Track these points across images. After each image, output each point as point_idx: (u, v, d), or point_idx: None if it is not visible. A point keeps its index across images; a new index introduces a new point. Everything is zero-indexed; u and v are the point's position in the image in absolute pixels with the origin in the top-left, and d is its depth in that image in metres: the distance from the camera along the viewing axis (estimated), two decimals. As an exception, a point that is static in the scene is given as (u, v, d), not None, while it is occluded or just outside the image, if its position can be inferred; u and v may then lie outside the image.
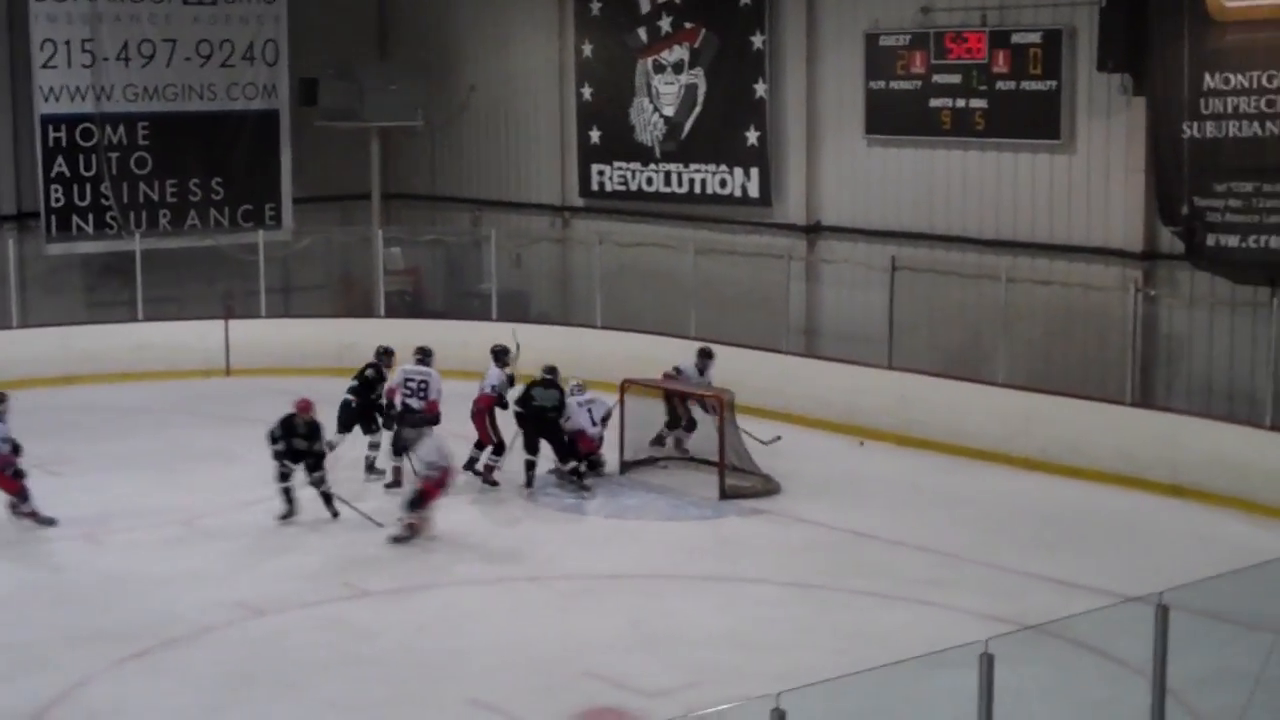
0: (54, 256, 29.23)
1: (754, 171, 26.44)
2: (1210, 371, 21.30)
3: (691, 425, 21.60)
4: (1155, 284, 21.65)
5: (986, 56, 23.04)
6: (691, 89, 27.32)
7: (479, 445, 20.80)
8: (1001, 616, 15.21)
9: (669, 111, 27.67)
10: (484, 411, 20.72)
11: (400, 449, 19.93)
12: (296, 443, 18.94)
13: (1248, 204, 20.24)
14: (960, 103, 23.43)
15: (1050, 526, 18.84)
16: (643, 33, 27.89)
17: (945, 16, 23.66)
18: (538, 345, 21.57)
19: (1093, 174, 22.26)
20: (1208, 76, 20.35)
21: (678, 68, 27.47)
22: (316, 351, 27.07)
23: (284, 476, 19.05)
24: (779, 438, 21.76)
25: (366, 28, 32.88)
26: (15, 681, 14.16)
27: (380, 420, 21.09)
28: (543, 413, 20.41)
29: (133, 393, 25.75)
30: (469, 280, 30.51)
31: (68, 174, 29.11)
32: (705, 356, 22.11)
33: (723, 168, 26.91)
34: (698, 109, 27.27)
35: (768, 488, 20.26)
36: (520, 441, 20.58)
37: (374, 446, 21.09)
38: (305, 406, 19.18)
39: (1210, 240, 20.64)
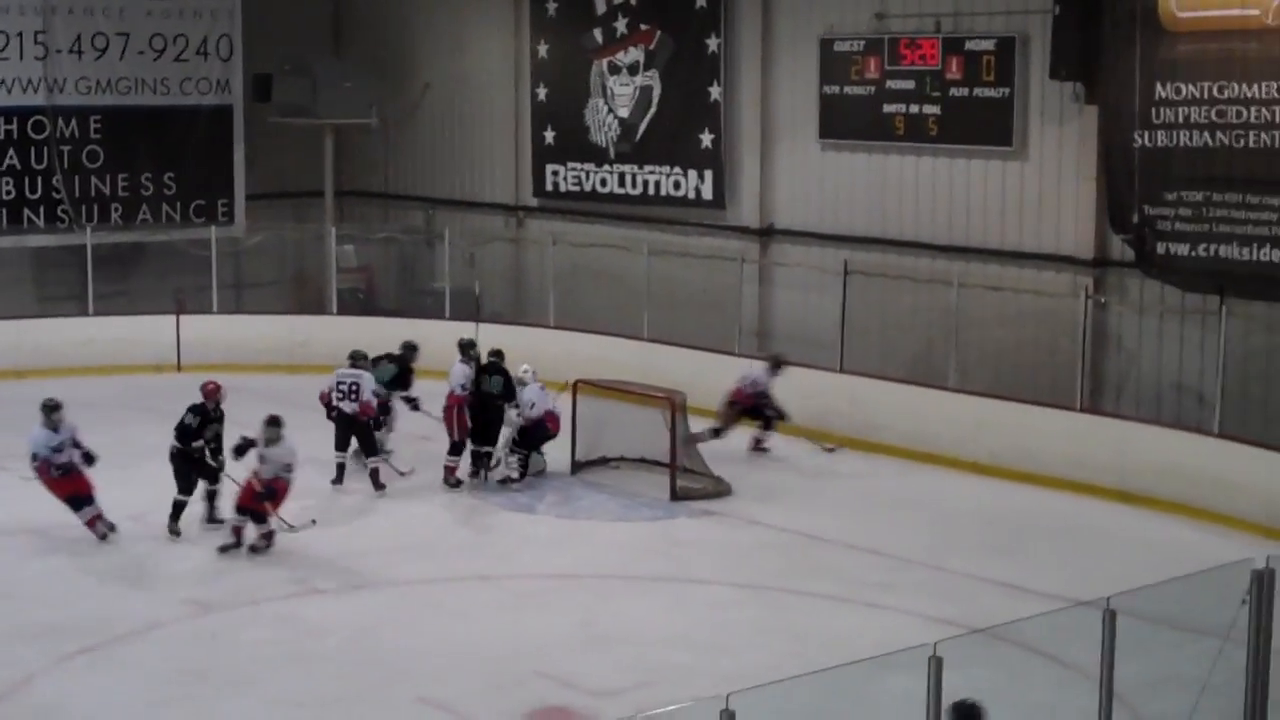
0: (4, 249, 29.05)
1: (708, 174, 26.49)
2: (1159, 378, 21.44)
3: (778, 416, 22.25)
4: (1105, 291, 21.78)
5: (940, 63, 23.13)
6: (646, 90, 27.35)
7: (451, 448, 20.67)
8: (951, 620, 15.26)
9: (624, 113, 27.69)
10: (452, 409, 20.62)
11: (242, 450, 18.37)
12: (210, 429, 18.38)
13: (1198, 213, 20.39)
14: (914, 108, 23.52)
15: (1000, 531, 18.93)
16: (598, 34, 27.90)
17: (899, 23, 23.75)
18: (490, 344, 21.47)
19: (1044, 181, 22.38)
20: (1159, 86, 20.49)
21: (633, 69, 27.50)
22: (269, 348, 27.02)
23: (187, 488, 18.42)
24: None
25: (321, 24, 32.79)
26: (-39, 677, 14.10)
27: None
28: (490, 399, 20.44)
29: (83, 388, 25.48)
30: (422, 279, 30.47)
31: (19, 166, 28.95)
32: (777, 366, 22.31)
33: (677, 170, 26.94)
34: (652, 111, 27.30)
35: (719, 489, 20.29)
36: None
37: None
38: (213, 389, 18.78)
39: (1160, 248, 20.78)
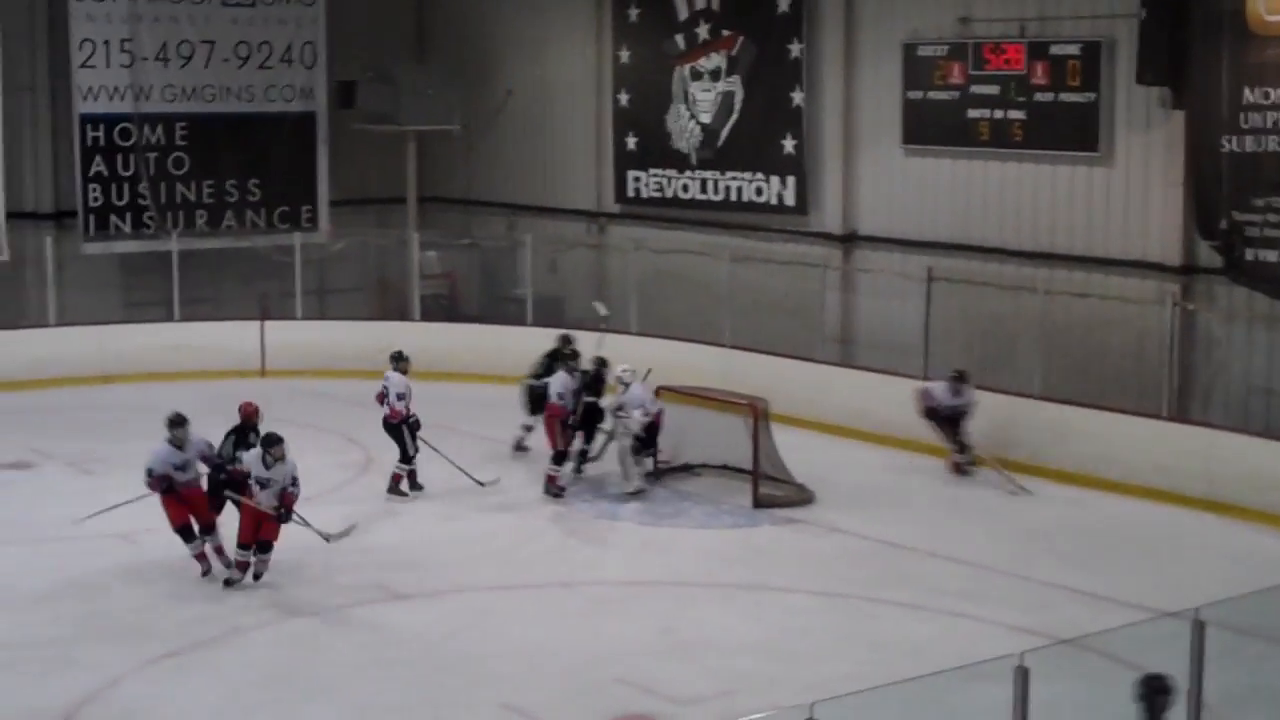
0: (91, 256, 29.34)
1: (790, 180, 26.42)
2: (1247, 385, 21.21)
3: (963, 449, 21.32)
4: (1193, 298, 21.57)
5: (1025, 68, 22.98)
6: (728, 96, 27.32)
7: (555, 457, 20.54)
8: (1034, 630, 15.16)
9: (706, 119, 27.67)
10: (552, 419, 20.53)
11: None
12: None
13: (1286, 219, 20.20)
14: (998, 114, 23.38)
15: (1085, 540, 18.77)
16: (680, 39, 27.90)
17: (984, 27, 23.61)
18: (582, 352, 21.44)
19: (1131, 187, 22.18)
20: (1247, 90, 20.27)
21: (715, 75, 27.47)
22: (351, 354, 27.12)
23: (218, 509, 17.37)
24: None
25: (404, 31, 32.95)
26: (47, 680, 14.22)
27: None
28: (595, 408, 20.98)
29: (167, 393, 25.65)
30: (504, 285, 30.53)
31: (105, 173, 29.25)
32: (960, 380, 21.23)
33: (759, 176, 26.90)
34: (734, 116, 27.26)
35: (801, 497, 20.22)
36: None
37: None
38: (253, 410, 18.13)
39: (1248, 255, 20.55)
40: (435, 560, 17.86)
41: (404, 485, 20.48)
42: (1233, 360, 21.37)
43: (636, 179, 28.91)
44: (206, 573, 17.00)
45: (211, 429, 20.63)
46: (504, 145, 31.66)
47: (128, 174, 29.44)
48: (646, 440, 20.59)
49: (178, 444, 17.00)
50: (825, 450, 22.22)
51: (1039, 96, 22.89)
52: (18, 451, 22.28)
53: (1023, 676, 9.47)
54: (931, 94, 24.15)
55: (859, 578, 17.32)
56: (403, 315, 29.21)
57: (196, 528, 17.04)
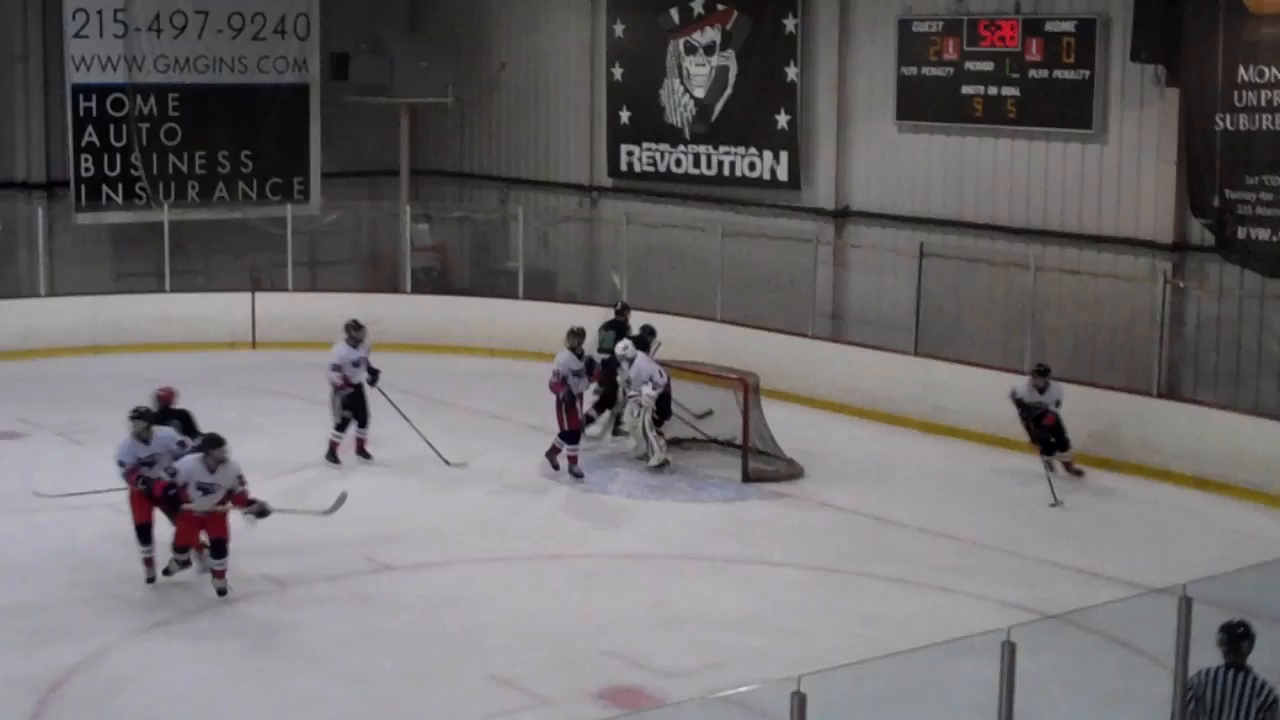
0: (83, 226, 29.30)
1: (783, 155, 26.40)
2: (1238, 364, 21.23)
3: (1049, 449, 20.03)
4: (1184, 275, 21.59)
5: (1019, 44, 22.95)
6: (723, 71, 27.28)
7: (566, 436, 20.16)
8: (1023, 605, 15.17)
9: (699, 93, 27.63)
10: (559, 398, 20.10)
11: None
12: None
13: (1279, 197, 20.16)
14: (992, 90, 23.36)
15: (1073, 516, 18.79)
16: (675, 13, 27.84)
17: (979, 4, 23.59)
18: (565, 323, 21.35)
19: (1124, 164, 22.18)
20: (1241, 69, 20.27)
21: (709, 49, 27.42)
22: (342, 325, 27.05)
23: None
24: (710, 412, 21.44)
25: (398, 3, 32.92)
26: (36, 650, 14.20)
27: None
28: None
29: (159, 363, 25.74)
30: (496, 258, 30.52)
31: (98, 144, 29.18)
32: (1041, 375, 19.92)
33: (752, 150, 26.87)
34: (728, 91, 27.23)
35: (791, 471, 20.25)
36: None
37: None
38: (169, 395, 17.47)
39: (1241, 233, 20.57)
40: (424, 532, 17.86)
41: (338, 453, 20.59)
42: (1223, 338, 21.38)
43: (630, 153, 28.88)
44: (152, 579, 15.91)
45: (202, 400, 20.65)
46: (497, 118, 31.61)
47: (120, 144, 29.37)
48: (661, 412, 20.54)
49: (140, 438, 15.99)
50: (815, 425, 22.22)
51: (1033, 73, 22.87)
52: (7, 421, 22.26)
53: (1010, 651, 9.47)
54: (926, 70, 24.12)
55: (848, 552, 17.34)
56: (394, 287, 29.20)
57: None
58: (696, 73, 27.66)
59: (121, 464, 16.02)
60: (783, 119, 26.31)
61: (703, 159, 27.66)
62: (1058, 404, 19.69)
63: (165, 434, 16.26)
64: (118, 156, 29.38)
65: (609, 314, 22.98)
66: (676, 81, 27.95)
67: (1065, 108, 22.56)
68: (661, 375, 20.36)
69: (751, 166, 26.90)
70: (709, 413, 21.25)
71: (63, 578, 16.16)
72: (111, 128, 29.26)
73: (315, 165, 31.04)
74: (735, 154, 27.14)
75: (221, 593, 15.62)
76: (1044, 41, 22.71)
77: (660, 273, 27.18)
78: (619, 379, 20.73)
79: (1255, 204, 20.37)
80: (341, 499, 17.14)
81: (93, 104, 29.12)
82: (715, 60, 27.35)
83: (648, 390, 20.16)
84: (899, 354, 23.22)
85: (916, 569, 16.71)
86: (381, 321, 27.18)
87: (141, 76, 29.39)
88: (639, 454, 20.62)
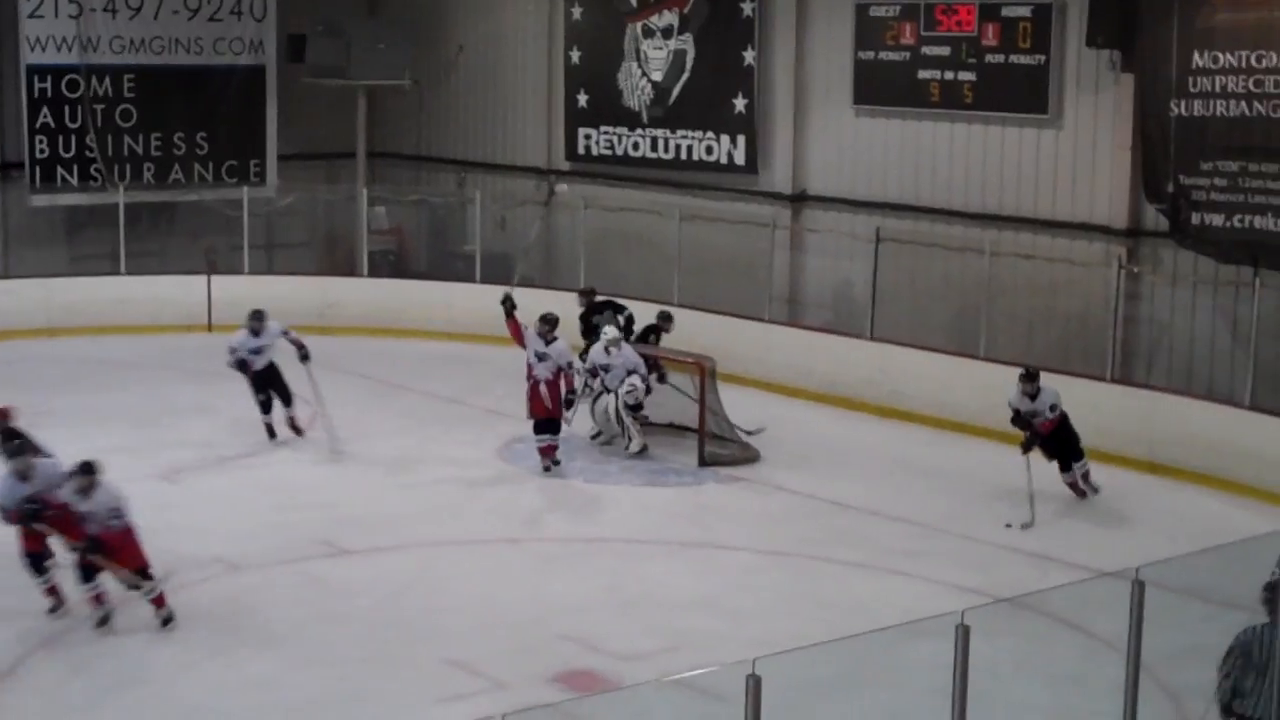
0: (37, 208, 29.14)
1: (740, 139, 26.41)
2: (1191, 349, 21.36)
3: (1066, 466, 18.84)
4: (1139, 261, 21.70)
5: (976, 29, 23.01)
6: (680, 55, 27.27)
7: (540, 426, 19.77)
8: (977, 589, 15.25)
9: (657, 77, 27.62)
10: (533, 385, 19.74)
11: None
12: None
13: (1233, 183, 20.28)
14: (949, 75, 23.42)
15: (1027, 500, 18.84)
16: (633, -3, 27.86)
17: (936, -12, 23.65)
18: (523, 307, 21.32)
19: (1079, 149, 22.26)
20: (1196, 55, 20.35)
21: (667, 33, 27.41)
22: (299, 309, 26.90)
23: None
24: (764, 429, 21.34)
25: (355, -15, 32.78)
26: (-8, 632, 14.18)
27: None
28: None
29: (115, 346, 25.71)
30: (453, 242, 30.47)
31: (52, 125, 28.96)
32: (1028, 380, 18.62)
33: (709, 134, 26.88)
34: (686, 75, 27.22)
35: (747, 455, 20.29)
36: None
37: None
38: (4, 413, 16.29)
39: (1195, 219, 20.67)
40: (381, 516, 17.85)
41: (275, 430, 20.76)
42: (1176, 324, 21.51)
43: (587, 136, 28.86)
44: (55, 609, 14.64)
45: (161, 383, 20.66)
46: (455, 101, 31.54)
47: (75, 126, 29.19)
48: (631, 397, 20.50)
49: (20, 476, 14.50)
50: (771, 409, 22.25)
51: (989, 58, 22.94)
52: (-39, 404, 22.14)
53: (964, 634, 9.53)
54: (883, 54, 24.16)
55: (804, 536, 17.40)
56: (351, 270, 29.13)
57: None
58: (654, 56, 27.65)
59: (3, 509, 14.52)
60: (740, 103, 26.33)
61: (660, 143, 27.66)
62: (1053, 409, 18.45)
63: (50, 468, 14.73)
64: (73, 138, 29.19)
65: (568, 298, 22.91)
66: (634, 65, 27.93)
67: (1021, 93, 22.63)
68: (642, 365, 20.37)
69: (709, 150, 26.91)
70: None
71: (16, 560, 16.03)
72: (66, 109, 29.06)
73: (272, 147, 30.90)
74: (693, 138, 27.14)
75: (166, 621, 14.44)
76: (1000, 26, 22.77)
77: (618, 257, 27.17)
78: (593, 365, 20.51)
79: (1209, 190, 20.47)
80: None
81: (47, 85, 28.91)
82: (673, 44, 27.35)
83: (637, 382, 20.14)
84: (855, 338, 23.29)
85: (872, 553, 16.78)
86: (338, 305, 27.22)
87: (96, 57, 29.18)
88: (603, 441, 20.61)
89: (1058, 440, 18.60)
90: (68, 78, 29.00)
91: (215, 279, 27.67)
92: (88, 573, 14.35)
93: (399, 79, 30.49)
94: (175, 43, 29.94)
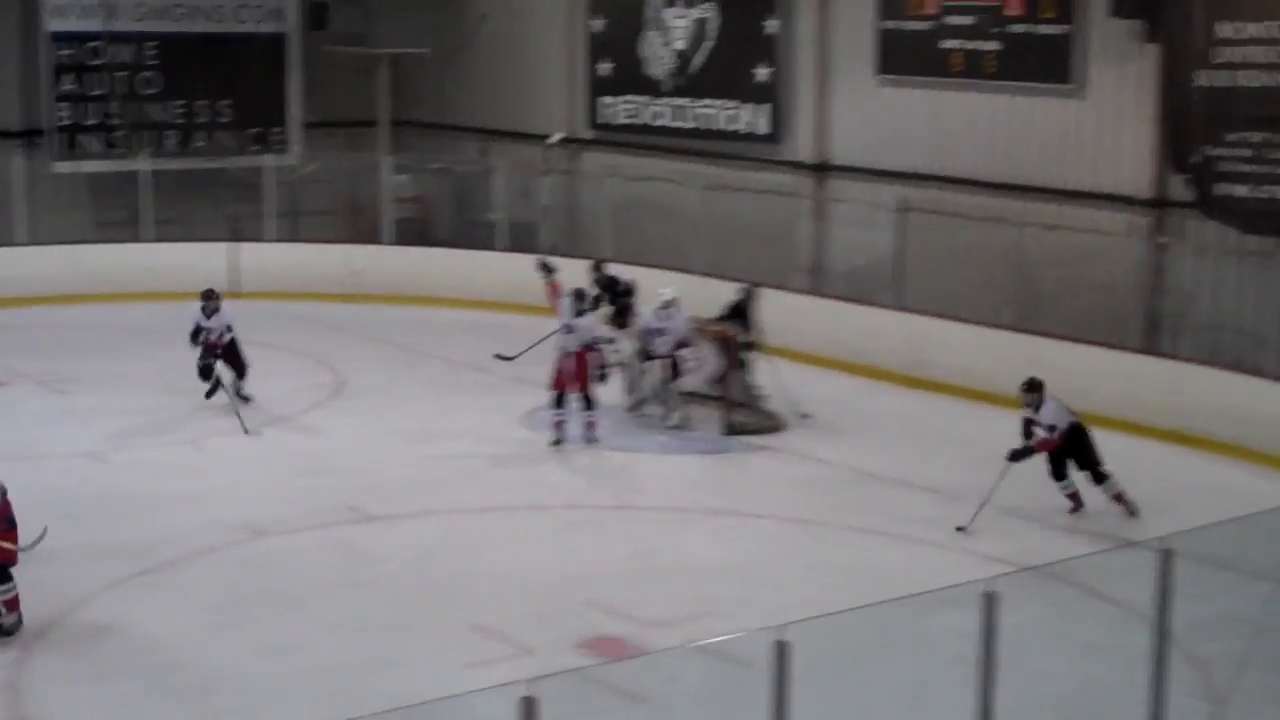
0: (61, 175, 29.19)
1: (763, 108, 26.37)
2: (1217, 320, 21.30)
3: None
4: (1164, 231, 21.63)
5: (1001, -1, 22.99)
6: (702, 23, 27.23)
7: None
8: (1002, 558, 15.25)
9: (679, 45, 27.58)
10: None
11: None
12: None
13: (1258, 154, 20.23)
14: (972, 44, 23.35)
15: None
16: (655, -35, 27.81)
17: (960, -43, 23.58)
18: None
19: (1104, 120, 22.19)
20: (1221, 24, 20.29)
21: (689, 1, 27.35)
22: (322, 276, 27.12)
23: None
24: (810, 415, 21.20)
25: (377, -48, 32.76)
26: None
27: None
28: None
29: (138, 313, 25.77)
30: (476, 209, 30.47)
31: (76, 92, 29.05)
32: (1030, 391, 17.30)
33: (732, 104, 26.84)
34: (708, 43, 27.19)
35: (771, 424, 20.29)
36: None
37: None
38: None
39: (1219, 189, 20.64)
40: (406, 482, 17.88)
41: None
42: (1202, 294, 21.45)
43: (609, 105, 28.83)
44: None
45: (185, 350, 20.70)
46: (477, 69, 31.51)
47: (98, 93, 29.24)
48: (675, 369, 20.49)
49: None
50: (795, 377, 22.21)
51: (1013, 28, 22.87)
52: (-12, 370, 22.28)
53: (991, 603, 9.54)
54: (906, 24, 24.10)
55: (829, 504, 17.40)
56: (374, 238, 29.15)
57: None
58: (676, 25, 27.61)
59: None
60: (763, 72, 26.28)
61: (682, 112, 27.63)
62: (1051, 430, 17.06)
63: None
64: (95, 105, 29.26)
65: (584, 265, 22.94)
66: (656, 34, 27.90)
67: (1045, 63, 22.56)
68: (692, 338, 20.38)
69: (731, 119, 26.87)
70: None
71: (42, 527, 16.10)
72: (89, 76, 29.13)
73: (294, 115, 30.95)
74: (715, 107, 27.11)
75: (9, 632, 13.40)
76: (1025, -5, 22.73)
77: (640, 226, 27.16)
78: (646, 328, 20.39)
79: (1234, 160, 20.43)
80: (43, 533, 14.39)
81: (70, 52, 28.96)
82: (695, 12, 27.30)
83: (692, 356, 20.14)
84: (880, 308, 23.26)
85: (897, 521, 16.78)
86: (362, 272, 27.24)
87: (118, 24, 29.24)
88: (643, 411, 20.54)
89: (1068, 456, 17.18)
90: (90, 45, 29.07)
91: (238, 246, 27.70)
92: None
93: (421, 47, 30.49)
94: (197, 10, 30.09)
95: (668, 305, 20.17)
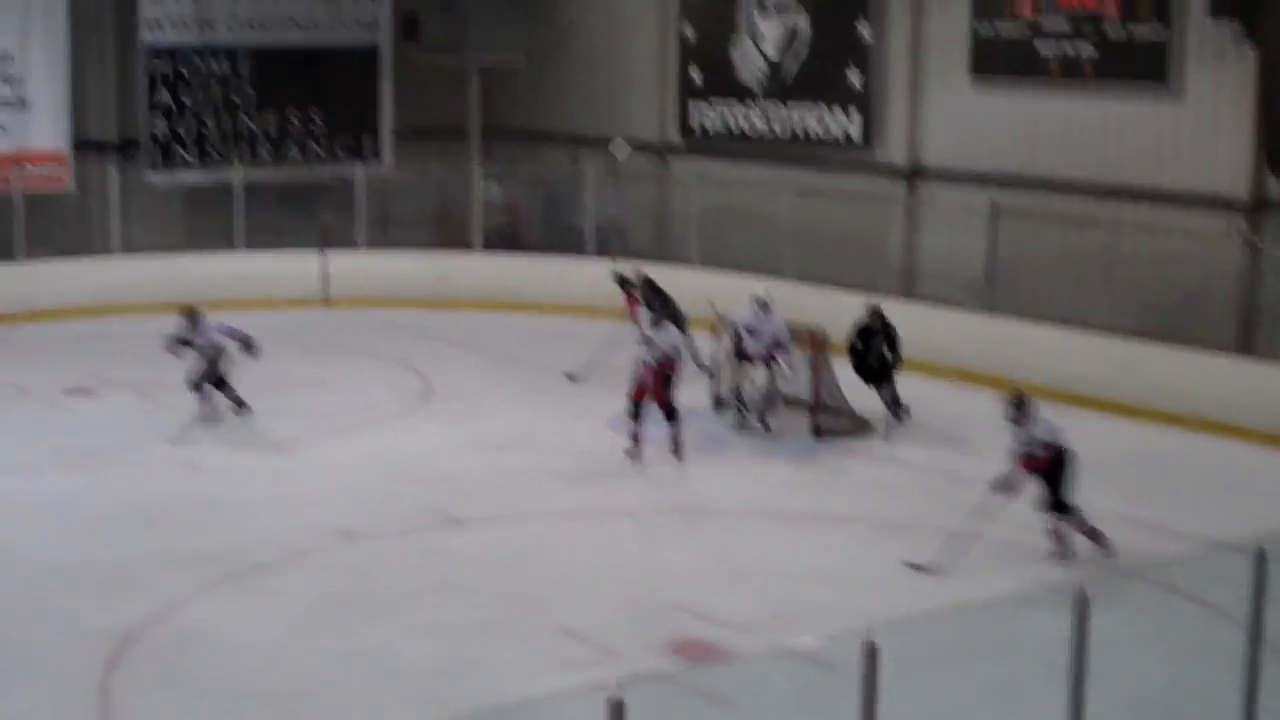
0: (155, 186, 29.46)
1: (855, 113, 26.24)
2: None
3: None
4: (1260, 234, 21.34)
5: (1096, 1, 22.71)
6: (794, 28, 27.13)
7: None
8: (1090, 559, 15.06)
9: (771, 51, 27.49)
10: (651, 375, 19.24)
11: None
12: None
13: (1356, 155, 19.96)
14: (1068, 47, 23.14)
15: (1146, 472, 18.63)
16: (746, -29, 27.74)
17: (1054, -42, 23.38)
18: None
19: (1201, 122, 21.94)
20: (1320, 24, 20.03)
21: (781, 7, 27.29)
22: (413, 283, 27.22)
23: None
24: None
25: (468, -38, 32.86)
26: (109, 602, 14.29)
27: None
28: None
29: (231, 321, 25.88)
30: (566, 216, 30.49)
31: (170, 104, 29.32)
32: (1014, 405, 16.04)
33: (823, 109, 26.73)
34: (800, 49, 27.08)
35: (860, 428, 20.16)
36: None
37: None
38: None
39: (1317, 190, 20.36)
40: (494, 487, 17.88)
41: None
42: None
43: (700, 112, 28.79)
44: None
45: (277, 357, 20.82)
46: (567, 77, 31.55)
47: (192, 105, 29.51)
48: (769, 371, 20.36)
49: None
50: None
51: (1109, 30, 22.63)
52: (81, 378, 22.48)
53: (1083, 604, 9.40)
54: (1001, 27, 23.91)
55: (918, 508, 17.26)
56: (465, 246, 29.23)
57: None
58: (768, 30, 27.53)
59: None
60: (855, 76, 26.16)
61: (774, 118, 27.54)
62: (1028, 451, 15.72)
63: None
64: (190, 117, 29.53)
65: (683, 273, 22.88)
66: (748, 40, 27.83)
67: (1142, 65, 22.32)
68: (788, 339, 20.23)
69: (823, 125, 26.76)
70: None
71: (134, 532, 16.27)
72: (184, 88, 29.40)
73: (386, 125, 31.12)
74: (807, 113, 27.00)
75: None
76: (1121, -2, 22.50)
77: (731, 232, 27.09)
78: (741, 325, 20.20)
79: (1332, 161, 20.15)
80: None
81: (165, 65, 29.24)
82: (787, 19, 27.22)
83: (787, 361, 20.02)
84: (972, 312, 23.08)
85: (986, 524, 16.56)
86: (452, 280, 27.33)
87: (214, 37, 29.50)
88: (738, 423, 20.40)
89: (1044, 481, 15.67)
90: (185, 57, 29.32)
91: (331, 255, 27.86)
92: None
93: (512, 55, 30.57)
94: (290, 22, 30.20)
95: (763, 303, 20.08)
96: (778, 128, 27.49)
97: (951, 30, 24.74)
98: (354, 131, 30.89)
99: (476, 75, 30.76)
